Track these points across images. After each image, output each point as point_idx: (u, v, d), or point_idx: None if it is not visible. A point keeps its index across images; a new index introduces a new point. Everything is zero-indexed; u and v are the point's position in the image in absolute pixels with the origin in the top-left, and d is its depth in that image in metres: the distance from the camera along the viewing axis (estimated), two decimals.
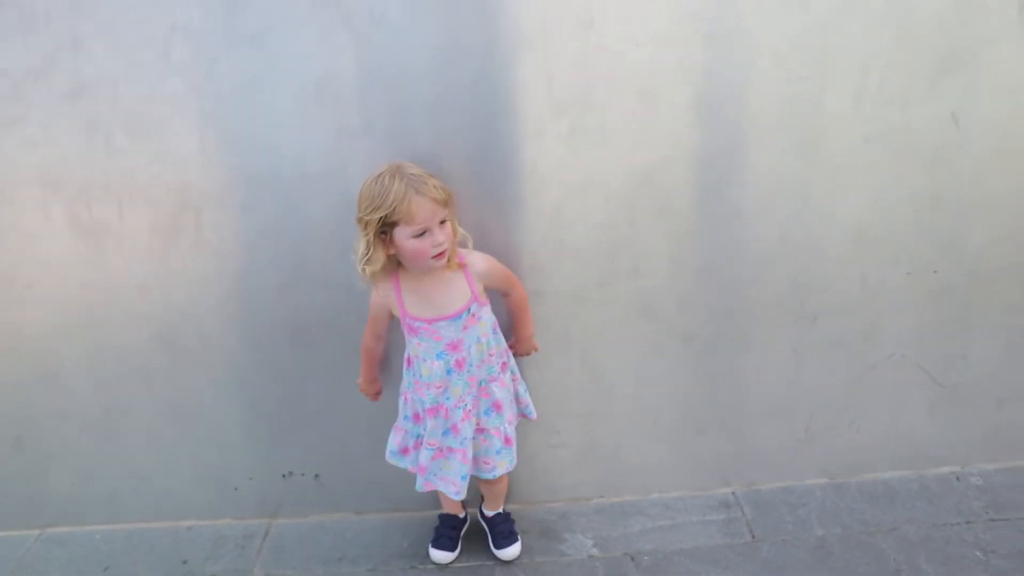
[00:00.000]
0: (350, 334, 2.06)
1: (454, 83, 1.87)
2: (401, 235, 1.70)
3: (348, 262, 1.98)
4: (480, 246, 1.90)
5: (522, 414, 2.03)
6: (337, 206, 1.94)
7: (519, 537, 2.09)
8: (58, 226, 1.96)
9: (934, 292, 2.12)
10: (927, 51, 1.91)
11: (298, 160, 1.92)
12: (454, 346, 1.82)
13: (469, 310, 1.82)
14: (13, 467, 2.20)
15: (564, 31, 1.84)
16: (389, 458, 2.00)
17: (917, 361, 2.18)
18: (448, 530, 2.09)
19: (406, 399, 1.94)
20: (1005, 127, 1.98)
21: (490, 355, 1.87)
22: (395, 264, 1.80)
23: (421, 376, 1.85)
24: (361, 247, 1.72)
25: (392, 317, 1.90)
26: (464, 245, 1.86)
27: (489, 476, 1.96)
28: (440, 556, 2.05)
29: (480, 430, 1.91)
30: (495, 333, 1.91)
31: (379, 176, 1.70)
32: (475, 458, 1.92)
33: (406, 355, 1.92)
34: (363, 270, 1.74)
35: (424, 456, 1.89)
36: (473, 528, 2.16)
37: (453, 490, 1.90)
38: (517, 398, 2.01)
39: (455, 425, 1.86)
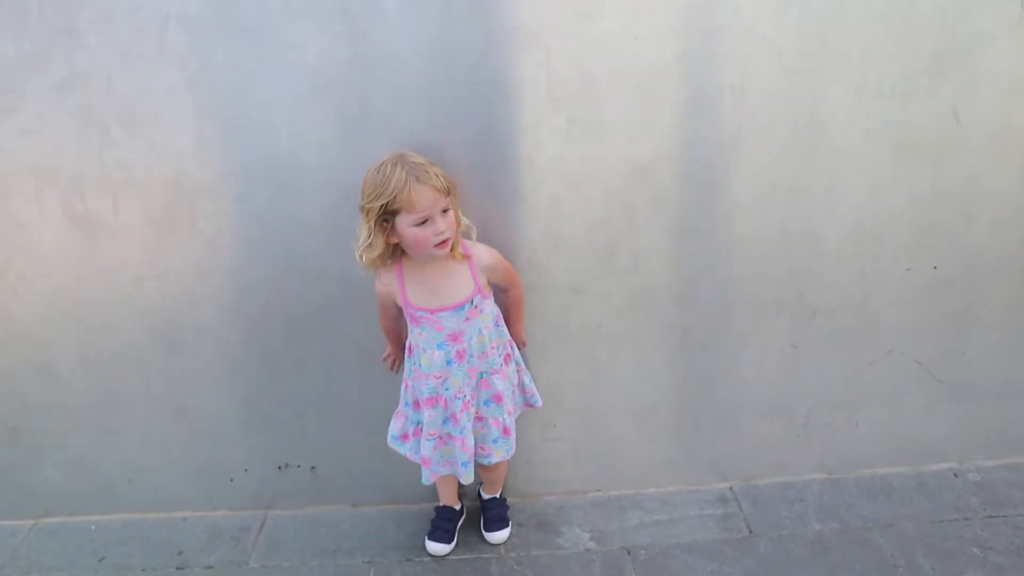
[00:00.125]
0: (346, 326, 2.06)
1: (451, 75, 1.85)
2: (403, 223, 1.70)
3: (343, 254, 1.97)
4: (477, 239, 1.89)
5: (528, 403, 2.04)
6: (332, 198, 1.93)
7: (510, 523, 2.12)
8: (52, 216, 1.95)
9: (933, 288, 2.11)
10: (928, 46, 1.89)
11: (294, 152, 1.90)
12: (455, 337, 1.82)
13: (472, 302, 1.82)
14: (7, 458, 2.19)
15: (562, 24, 1.82)
16: (390, 442, 2.00)
17: (915, 357, 2.18)
18: (444, 522, 2.10)
19: (407, 386, 1.94)
20: (1005, 123, 1.97)
21: (492, 347, 1.87)
22: (399, 253, 1.80)
23: (421, 365, 1.85)
24: (362, 235, 1.74)
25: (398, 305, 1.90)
26: (468, 235, 1.86)
27: (484, 462, 1.97)
28: (436, 548, 2.06)
29: (479, 418, 1.92)
30: (497, 326, 1.91)
31: (381, 165, 1.71)
32: (474, 443, 1.92)
33: (408, 343, 1.92)
34: (360, 256, 1.75)
35: (426, 448, 1.89)
36: (470, 521, 2.16)
37: (459, 472, 1.91)
38: (523, 388, 2.01)
39: (454, 415, 1.87)
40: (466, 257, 1.82)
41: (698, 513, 2.16)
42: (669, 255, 2.04)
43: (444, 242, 1.73)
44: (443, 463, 1.94)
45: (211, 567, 2.06)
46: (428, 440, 1.89)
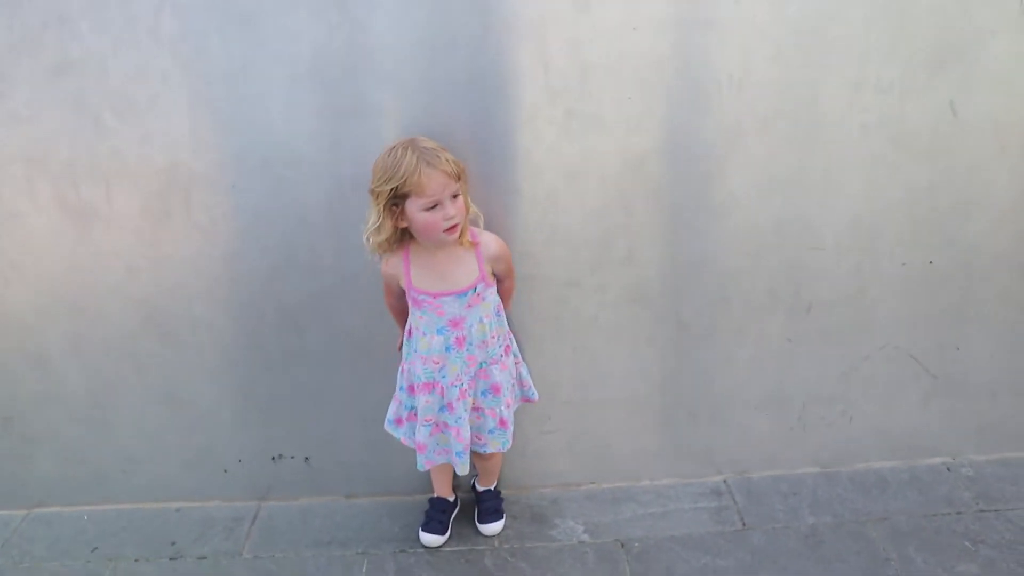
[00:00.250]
0: (341, 317, 2.05)
1: (448, 66, 1.84)
2: (412, 208, 1.70)
3: (339, 245, 1.97)
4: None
5: (525, 398, 2.04)
6: (328, 189, 1.92)
7: (504, 516, 2.12)
8: (44, 205, 1.94)
9: (929, 283, 2.11)
10: (926, 41, 1.89)
11: (289, 141, 1.89)
12: (456, 323, 1.82)
13: (475, 289, 1.82)
14: (0, 448, 2.18)
15: (560, 15, 1.81)
16: (385, 426, 2.00)
17: (910, 352, 2.18)
18: (438, 513, 2.09)
19: (403, 370, 1.94)
20: (1003, 118, 1.97)
21: (492, 337, 1.87)
22: (407, 238, 1.80)
23: (419, 349, 1.85)
24: (371, 218, 1.74)
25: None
26: (476, 223, 1.85)
27: (479, 451, 1.97)
28: (430, 539, 2.05)
29: (476, 408, 1.92)
30: (498, 315, 1.91)
31: (392, 149, 1.70)
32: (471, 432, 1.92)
33: (408, 326, 1.92)
34: (367, 240, 1.75)
35: (421, 434, 1.89)
36: (465, 514, 2.16)
37: (454, 461, 1.90)
38: (520, 381, 2.01)
39: (450, 403, 1.87)
40: (474, 244, 1.82)
41: (692, 506, 2.17)
42: (665, 248, 2.03)
43: (453, 227, 1.73)
44: (439, 451, 1.94)
45: (204, 557, 2.05)
46: (424, 426, 1.88)
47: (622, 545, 2.04)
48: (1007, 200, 2.04)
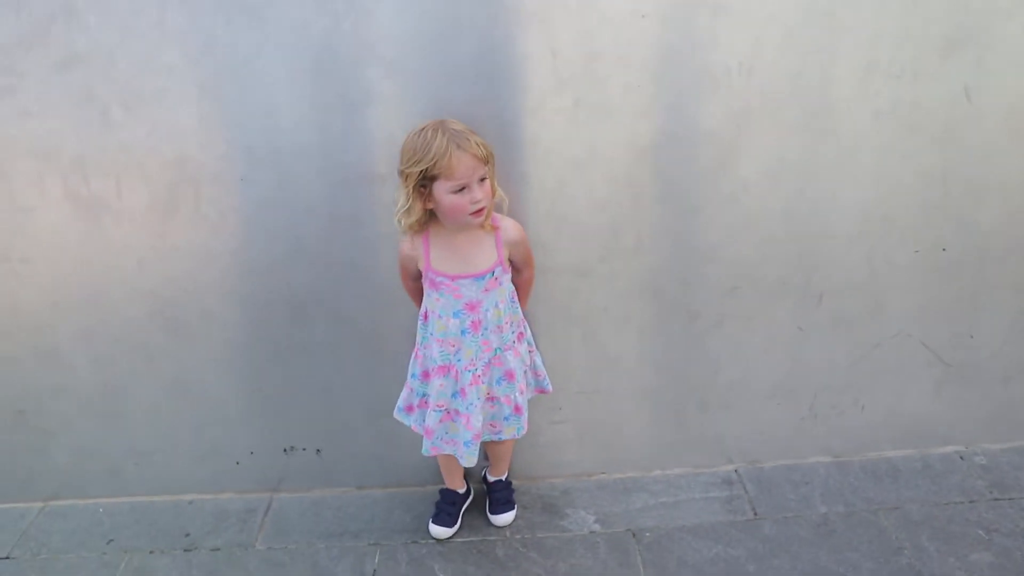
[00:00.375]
0: (350, 309, 2.05)
1: (455, 56, 1.83)
2: (440, 190, 1.70)
3: (347, 237, 1.97)
4: None
5: (539, 388, 2.04)
6: (336, 181, 1.92)
7: (515, 506, 2.12)
8: (54, 200, 1.94)
9: (942, 270, 2.09)
10: (939, 24, 1.86)
11: (297, 133, 1.89)
12: (472, 307, 1.82)
13: (493, 272, 1.82)
14: (15, 441, 2.20)
15: (568, 3, 1.80)
16: (396, 414, 2.00)
17: (923, 340, 2.16)
18: (447, 505, 2.10)
19: (417, 356, 1.94)
20: (1018, 102, 1.94)
21: (506, 322, 1.87)
22: (429, 218, 1.80)
23: (434, 332, 1.85)
24: (401, 199, 1.74)
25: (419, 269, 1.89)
26: (500, 207, 1.85)
27: (495, 438, 1.98)
28: (439, 531, 2.06)
29: (491, 398, 1.92)
30: (512, 302, 1.91)
31: (422, 130, 1.70)
32: (484, 421, 1.92)
33: (423, 311, 1.91)
34: (399, 221, 1.76)
35: (431, 419, 1.89)
36: (477, 505, 2.16)
37: (460, 452, 1.90)
38: (535, 370, 2.01)
39: (463, 389, 1.86)
40: (495, 229, 1.82)
41: (703, 495, 2.16)
42: (675, 237, 2.02)
43: (480, 211, 1.73)
44: (445, 440, 1.93)
45: (218, 549, 2.07)
46: (435, 411, 1.88)
47: (634, 535, 2.04)
48: (1021, 186, 2.02)
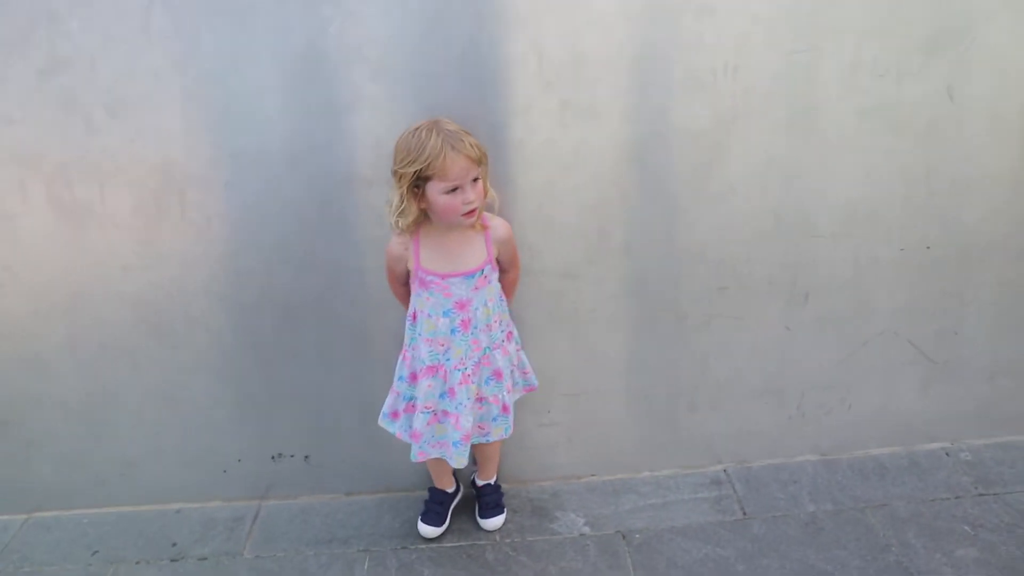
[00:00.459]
0: (338, 314, 2.04)
1: (441, 58, 1.83)
2: (433, 190, 1.70)
3: (335, 241, 1.96)
4: None
5: (527, 387, 2.03)
6: (322, 184, 1.91)
7: (504, 509, 2.12)
8: (37, 206, 1.92)
9: (926, 268, 2.11)
10: (923, 24, 1.89)
11: (282, 137, 1.88)
12: (462, 305, 1.82)
13: (483, 271, 1.82)
14: None
15: (554, 5, 1.80)
16: (380, 421, 1.98)
17: (908, 337, 2.18)
18: (436, 504, 2.09)
19: (405, 357, 1.92)
20: (1000, 102, 1.97)
21: (495, 321, 1.87)
22: (421, 217, 1.80)
23: (423, 332, 1.85)
24: (395, 200, 1.73)
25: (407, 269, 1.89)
26: (491, 206, 1.85)
27: (483, 440, 1.97)
28: (427, 530, 2.05)
29: (480, 399, 1.91)
30: (501, 300, 1.92)
31: (416, 130, 1.70)
32: (473, 423, 1.91)
33: (411, 311, 1.90)
34: (395, 223, 1.75)
35: (419, 422, 1.88)
36: (466, 509, 2.15)
37: (449, 454, 1.89)
38: (522, 369, 2.01)
39: (452, 388, 1.86)
40: (484, 228, 1.82)
41: (692, 496, 2.17)
42: (662, 237, 2.03)
43: (472, 211, 1.73)
44: (433, 443, 1.92)
45: (205, 558, 2.04)
46: (422, 413, 1.87)
47: (623, 537, 2.04)
48: (1005, 184, 2.04)
